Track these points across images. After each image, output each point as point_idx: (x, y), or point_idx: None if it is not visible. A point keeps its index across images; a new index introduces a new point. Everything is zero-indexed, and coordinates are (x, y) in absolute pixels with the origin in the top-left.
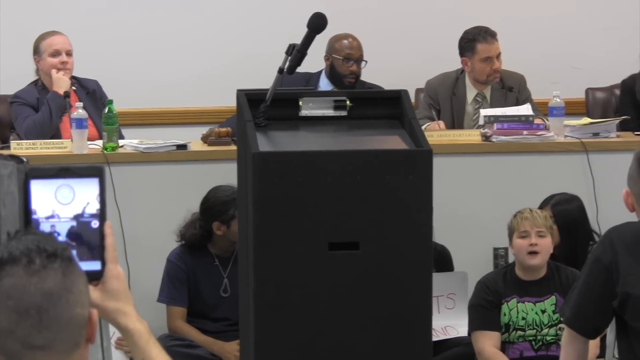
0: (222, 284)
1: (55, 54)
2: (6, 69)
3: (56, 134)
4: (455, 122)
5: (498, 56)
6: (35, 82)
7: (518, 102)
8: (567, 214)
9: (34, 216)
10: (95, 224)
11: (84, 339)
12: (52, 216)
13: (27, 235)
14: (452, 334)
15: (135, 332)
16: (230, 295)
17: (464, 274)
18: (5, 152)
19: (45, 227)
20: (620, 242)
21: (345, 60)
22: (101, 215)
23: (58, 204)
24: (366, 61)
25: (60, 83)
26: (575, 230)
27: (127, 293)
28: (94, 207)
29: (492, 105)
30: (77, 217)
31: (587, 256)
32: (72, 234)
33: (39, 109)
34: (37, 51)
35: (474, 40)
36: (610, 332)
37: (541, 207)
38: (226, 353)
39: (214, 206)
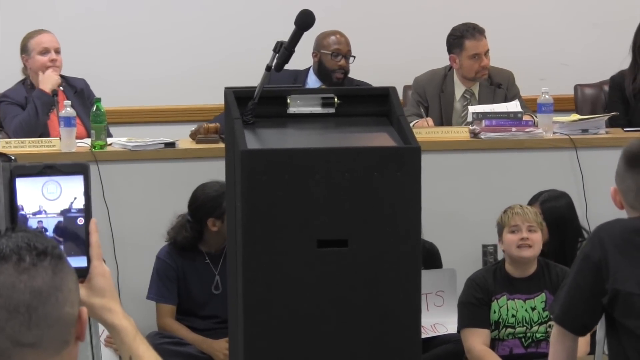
0: (214, 281)
1: (45, 52)
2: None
3: (44, 133)
4: (444, 119)
5: (486, 53)
6: (23, 81)
7: (506, 99)
8: (556, 211)
9: (21, 212)
10: (81, 220)
11: (73, 337)
12: (39, 212)
13: (17, 232)
14: (441, 332)
15: (122, 329)
16: (222, 292)
17: (453, 271)
18: None
19: (32, 223)
20: (610, 239)
21: (334, 55)
22: (87, 212)
23: (45, 199)
24: (354, 57)
25: (46, 80)
26: (564, 227)
27: (113, 290)
28: (80, 202)
29: (480, 102)
30: (64, 213)
31: (576, 253)
32: (59, 229)
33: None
34: (25, 50)
35: (462, 37)
36: (600, 329)
37: (530, 204)
38: (215, 351)
39: (206, 203)
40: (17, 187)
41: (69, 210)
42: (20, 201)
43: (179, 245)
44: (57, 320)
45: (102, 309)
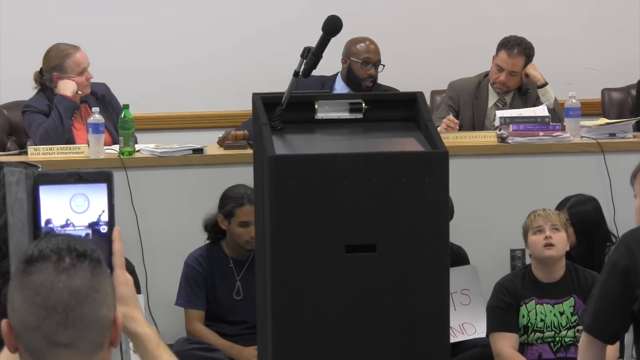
0: (235, 287)
1: (83, 72)
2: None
3: (70, 139)
4: (476, 125)
5: (512, 72)
6: (42, 91)
7: (534, 102)
8: (583, 215)
9: (50, 225)
10: (104, 229)
11: (107, 341)
12: (67, 225)
13: (57, 236)
14: (469, 332)
15: (144, 337)
16: (243, 298)
17: (474, 268)
18: (20, 158)
19: None
20: (637, 246)
21: (364, 64)
22: (110, 221)
23: (73, 212)
24: (384, 65)
25: (66, 86)
26: (592, 232)
27: (135, 298)
28: (107, 213)
29: None
30: (92, 225)
31: (604, 257)
32: None
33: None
34: (60, 69)
35: (502, 45)
36: (629, 334)
37: (558, 209)
38: (244, 357)
39: (221, 199)
40: (42, 195)
41: (97, 223)
42: (48, 214)
43: (205, 228)
44: (93, 322)
45: (125, 317)
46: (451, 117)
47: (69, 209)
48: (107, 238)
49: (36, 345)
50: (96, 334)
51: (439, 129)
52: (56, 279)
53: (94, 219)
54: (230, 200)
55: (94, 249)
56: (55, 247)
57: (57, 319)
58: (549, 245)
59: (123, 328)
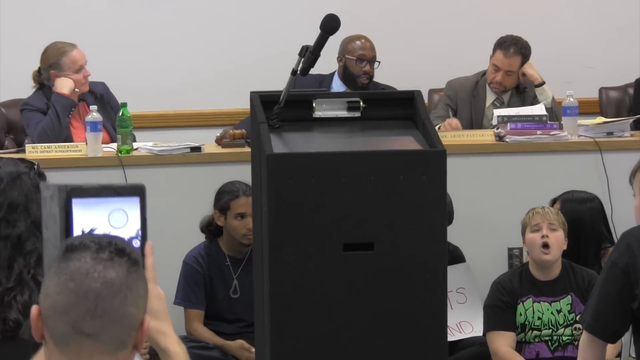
0: (232, 285)
1: (80, 69)
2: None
3: (68, 137)
4: (474, 124)
5: (508, 72)
6: (40, 89)
7: (532, 101)
8: (574, 215)
9: None
10: (136, 243)
11: (131, 342)
12: None
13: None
14: (467, 331)
15: (174, 355)
16: (240, 296)
17: (467, 266)
18: (18, 156)
19: None
20: (637, 244)
21: (359, 61)
22: (142, 234)
23: (111, 227)
24: (379, 62)
25: (63, 84)
26: (580, 233)
27: (167, 314)
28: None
29: None
30: (130, 241)
31: (594, 258)
32: None
33: None
34: (57, 66)
35: (498, 45)
36: (627, 332)
37: (554, 199)
38: (235, 353)
39: (216, 195)
40: (75, 209)
41: (136, 237)
42: (86, 229)
43: (201, 228)
44: (120, 317)
45: (156, 332)
46: (451, 120)
47: (107, 224)
48: (140, 252)
49: (62, 331)
50: (121, 330)
51: (440, 129)
52: (92, 268)
53: (133, 234)
54: (225, 194)
55: (133, 250)
56: (96, 239)
57: (86, 307)
58: (546, 246)
59: (153, 342)
